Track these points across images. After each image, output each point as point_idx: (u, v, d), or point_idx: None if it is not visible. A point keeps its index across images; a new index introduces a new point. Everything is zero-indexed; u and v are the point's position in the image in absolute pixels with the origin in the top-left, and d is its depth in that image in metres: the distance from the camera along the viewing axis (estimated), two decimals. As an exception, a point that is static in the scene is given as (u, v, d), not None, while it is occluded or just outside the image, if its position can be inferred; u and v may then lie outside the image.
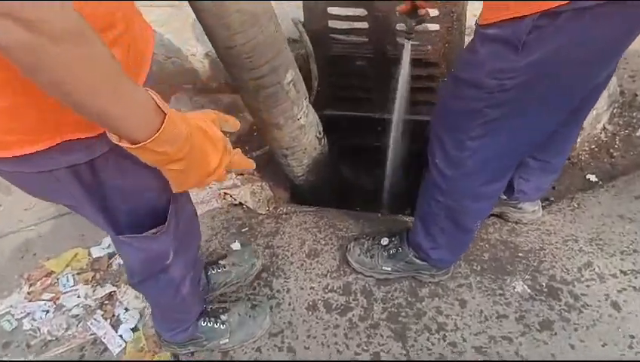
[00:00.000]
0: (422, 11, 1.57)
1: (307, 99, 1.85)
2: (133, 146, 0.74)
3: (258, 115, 1.79)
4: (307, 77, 2.53)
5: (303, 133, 1.87)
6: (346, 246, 1.91)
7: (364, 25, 2.32)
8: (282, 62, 1.63)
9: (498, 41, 1.05)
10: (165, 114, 0.74)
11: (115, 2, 0.84)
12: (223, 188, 2.29)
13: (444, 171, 1.40)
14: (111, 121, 0.71)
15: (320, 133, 1.99)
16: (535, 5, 0.98)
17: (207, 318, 1.65)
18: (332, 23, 2.37)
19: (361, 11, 2.30)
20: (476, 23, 1.17)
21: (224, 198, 2.26)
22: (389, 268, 1.81)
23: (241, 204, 2.24)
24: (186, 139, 0.78)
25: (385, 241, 1.84)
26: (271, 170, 2.39)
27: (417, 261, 1.75)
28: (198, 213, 2.19)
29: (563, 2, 0.93)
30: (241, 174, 2.41)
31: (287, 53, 1.66)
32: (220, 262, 1.83)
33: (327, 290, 1.84)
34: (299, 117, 1.81)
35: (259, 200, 2.25)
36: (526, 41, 1.01)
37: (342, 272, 1.89)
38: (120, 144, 0.74)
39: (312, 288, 1.85)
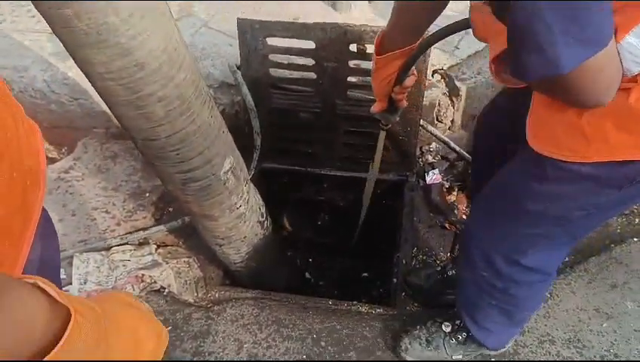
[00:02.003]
0: (402, 104, 1.38)
1: (248, 182, 1.51)
2: None
3: (186, 206, 1.43)
4: (241, 130, 2.20)
5: (242, 221, 1.53)
6: (399, 345, 1.60)
7: (312, 75, 2.02)
8: (219, 151, 1.28)
9: (596, 180, 0.90)
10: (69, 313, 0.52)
11: None
12: (140, 268, 1.90)
13: (495, 284, 1.25)
14: None
15: (263, 216, 1.66)
16: None
17: None
18: (274, 72, 2.04)
19: (308, 60, 1.99)
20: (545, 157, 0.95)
21: (142, 281, 1.88)
22: (461, 356, 1.56)
23: (162, 288, 1.86)
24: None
25: (448, 327, 1.57)
26: (200, 241, 2.02)
27: None
28: (110, 304, 1.80)
29: None
30: (163, 245, 2.03)
31: (226, 138, 1.31)
32: (137, 387, 1.45)
33: (271, 413, 1.52)
34: (238, 206, 1.47)
35: (185, 282, 1.88)
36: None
37: (288, 387, 1.58)
38: None
39: (252, 411, 1.53)
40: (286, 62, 2.02)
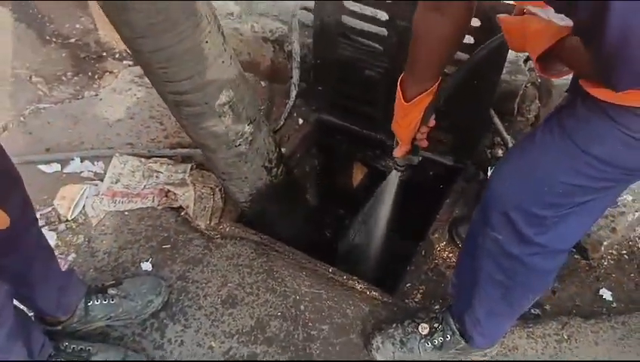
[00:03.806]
0: (424, 143, 1.35)
1: (257, 123, 1.44)
2: None
3: (185, 130, 1.41)
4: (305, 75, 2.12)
5: (242, 161, 1.48)
6: (370, 343, 1.49)
7: (383, 31, 1.86)
8: (214, 80, 1.23)
9: None
10: None
11: None
12: (168, 183, 1.95)
13: (510, 250, 1.11)
14: None
15: (271, 162, 1.59)
16: None
17: (61, 362, 1.36)
18: (346, 20, 1.91)
19: (382, 14, 1.83)
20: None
21: (165, 196, 1.93)
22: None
23: (181, 208, 1.90)
24: None
25: (425, 330, 1.45)
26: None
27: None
28: (129, 207, 1.88)
29: None
30: (200, 168, 2.05)
31: (226, 69, 1.25)
32: (110, 291, 1.51)
33: (227, 356, 1.51)
34: (237, 143, 1.41)
35: (204, 208, 1.89)
36: None
37: (253, 337, 1.54)
38: None
39: (210, 348, 1.52)
40: (360, 11, 1.88)
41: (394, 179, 1.59)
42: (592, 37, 0.75)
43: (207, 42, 1.16)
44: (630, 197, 1.79)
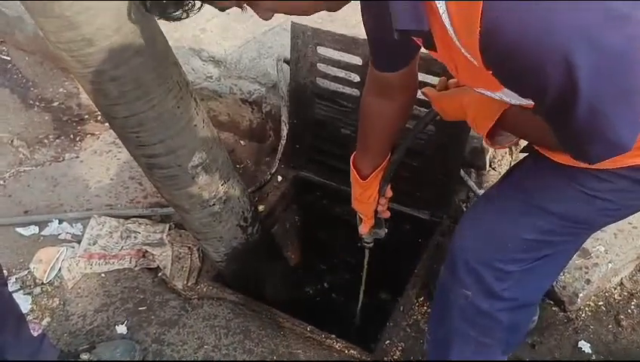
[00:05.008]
0: (387, 214, 1.39)
1: (231, 183, 1.47)
2: None
3: (158, 191, 1.43)
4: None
5: (217, 220, 1.50)
6: None
7: (356, 92, 1.93)
8: (185, 143, 1.26)
9: (631, 180, 0.89)
10: None
11: None
12: (146, 244, 1.95)
13: (480, 305, 1.11)
14: None
15: (246, 221, 1.61)
16: None
17: None
18: (321, 82, 1.99)
19: (354, 76, 1.92)
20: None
21: (143, 256, 1.92)
22: None
23: (158, 268, 1.89)
24: None
25: None
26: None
27: None
28: (105, 269, 1.87)
29: None
30: (179, 228, 2.05)
31: (198, 133, 1.28)
32: (82, 356, 1.48)
33: (202, 421, 1.47)
34: (211, 203, 1.43)
35: (182, 268, 1.89)
36: None
37: (229, 401, 1.51)
38: None
39: (185, 413, 1.49)
40: (332, 74, 1.95)
41: (365, 258, 1.63)
42: (559, 118, 0.73)
43: (178, 107, 1.20)
44: (602, 248, 1.81)
